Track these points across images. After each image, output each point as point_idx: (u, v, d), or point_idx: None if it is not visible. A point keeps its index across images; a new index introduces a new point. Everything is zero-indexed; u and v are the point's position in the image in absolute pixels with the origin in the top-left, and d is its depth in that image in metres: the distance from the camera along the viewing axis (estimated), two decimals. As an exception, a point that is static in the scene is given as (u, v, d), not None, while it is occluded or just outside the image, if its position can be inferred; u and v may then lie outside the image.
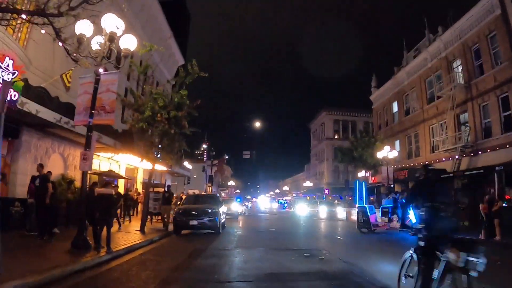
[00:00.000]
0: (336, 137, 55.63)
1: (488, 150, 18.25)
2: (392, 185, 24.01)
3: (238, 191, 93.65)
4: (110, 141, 16.13)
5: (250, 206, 56.96)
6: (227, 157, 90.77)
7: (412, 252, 4.31)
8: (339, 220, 27.12)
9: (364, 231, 15.86)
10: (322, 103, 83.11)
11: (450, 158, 20.98)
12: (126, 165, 21.68)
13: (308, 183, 56.44)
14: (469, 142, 19.89)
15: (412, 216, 14.10)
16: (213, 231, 13.41)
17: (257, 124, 36.21)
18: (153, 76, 14.72)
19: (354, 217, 22.36)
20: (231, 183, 78.79)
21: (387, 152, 22.85)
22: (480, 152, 19.07)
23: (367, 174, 35.10)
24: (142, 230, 12.21)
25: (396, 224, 15.13)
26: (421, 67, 25.86)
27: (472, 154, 19.76)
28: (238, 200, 62.21)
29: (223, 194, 72.56)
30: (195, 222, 13.01)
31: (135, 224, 14.44)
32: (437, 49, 23.78)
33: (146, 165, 22.54)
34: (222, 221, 15.02)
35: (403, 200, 14.33)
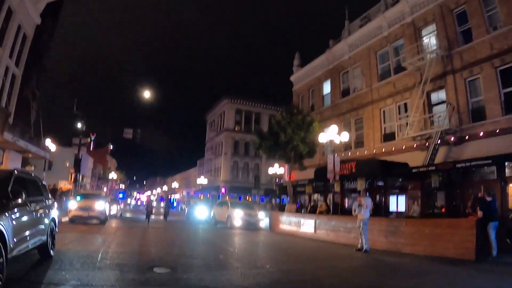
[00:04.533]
0: (237, 129, 48.91)
1: (493, 136, 13.45)
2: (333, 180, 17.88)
3: (122, 186, 79.91)
4: None
5: (134, 205, 45.73)
6: (111, 147, 75.72)
7: None
8: (288, 235, 16.39)
9: None
10: (223, 92, 74.88)
11: (427, 146, 15.74)
12: None
13: (202, 180, 48.14)
14: (451, 127, 15.06)
15: None
16: None
17: (146, 96, 25.91)
18: None
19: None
20: (113, 175, 64.65)
21: (334, 135, 16.50)
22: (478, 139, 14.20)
23: (282, 169, 28.91)
24: None
25: None
26: (372, 37, 20.69)
27: (453, 141, 14.99)
28: (121, 195, 49.67)
29: (105, 189, 58.70)
30: None
31: None
32: (399, 14, 18.79)
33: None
34: (15, 252, 4.79)
35: None
